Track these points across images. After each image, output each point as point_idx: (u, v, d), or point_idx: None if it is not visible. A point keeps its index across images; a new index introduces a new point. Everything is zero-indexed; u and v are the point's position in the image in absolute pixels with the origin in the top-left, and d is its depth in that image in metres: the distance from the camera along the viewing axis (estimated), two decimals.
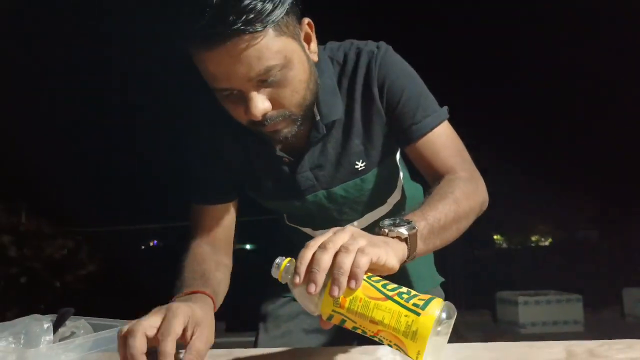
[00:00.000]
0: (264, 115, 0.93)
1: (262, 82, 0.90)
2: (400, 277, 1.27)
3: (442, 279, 1.39)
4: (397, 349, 0.72)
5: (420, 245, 0.88)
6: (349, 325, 0.74)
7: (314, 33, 0.99)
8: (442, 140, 1.09)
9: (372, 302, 0.71)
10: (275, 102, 0.93)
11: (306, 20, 0.97)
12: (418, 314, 0.70)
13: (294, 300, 1.30)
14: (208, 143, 1.13)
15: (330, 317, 0.75)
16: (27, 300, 5.30)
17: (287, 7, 0.88)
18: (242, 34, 0.84)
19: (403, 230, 0.83)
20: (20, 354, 0.73)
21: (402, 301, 0.71)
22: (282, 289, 1.31)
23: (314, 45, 1.00)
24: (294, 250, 1.28)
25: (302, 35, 0.96)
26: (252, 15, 0.83)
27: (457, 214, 0.97)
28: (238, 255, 1.24)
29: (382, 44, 1.10)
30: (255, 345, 1.29)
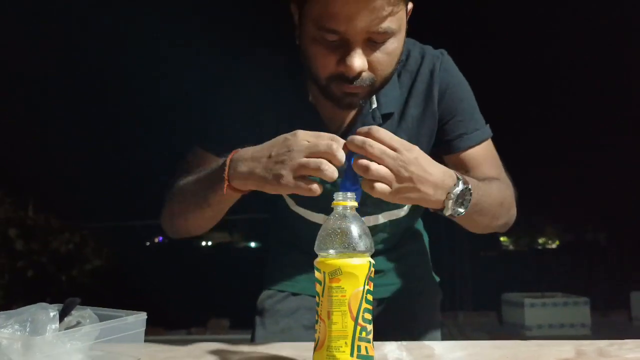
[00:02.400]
0: (359, 73, 0.93)
1: (373, 41, 0.92)
2: (399, 275, 1.26)
3: (438, 279, 1.37)
4: (316, 336, 0.77)
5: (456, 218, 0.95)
6: (318, 288, 0.77)
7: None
8: (487, 153, 1.14)
9: (346, 307, 0.75)
10: (371, 65, 0.94)
11: (411, 4, 0.98)
12: (350, 355, 0.75)
13: (293, 295, 1.27)
14: (251, 105, 1.10)
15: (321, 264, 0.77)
16: (33, 293, 5.33)
17: None
18: None
19: (452, 212, 0.91)
20: (26, 342, 0.72)
21: (357, 334, 0.75)
22: (279, 284, 1.30)
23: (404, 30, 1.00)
24: (296, 243, 1.26)
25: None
26: None
27: (495, 213, 1.03)
28: (243, 253, 1.21)
29: (444, 51, 1.13)
30: (252, 341, 1.26)
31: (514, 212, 1.12)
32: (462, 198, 0.90)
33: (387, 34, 0.91)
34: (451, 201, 0.89)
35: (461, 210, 0.91)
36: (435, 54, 1.11)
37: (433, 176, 0.86)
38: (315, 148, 0.82)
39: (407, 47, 1.08)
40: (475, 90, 1.16)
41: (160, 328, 5.26)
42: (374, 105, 1.07)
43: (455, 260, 6.59)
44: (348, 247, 0.75)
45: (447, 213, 0.91)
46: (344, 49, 0.91)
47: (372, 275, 0.77)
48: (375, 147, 0.82)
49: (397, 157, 0.83)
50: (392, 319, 1.21)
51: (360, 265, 0.75)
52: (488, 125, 1.16)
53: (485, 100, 1.18)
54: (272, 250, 1.36)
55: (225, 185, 0.90)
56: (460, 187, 0.89)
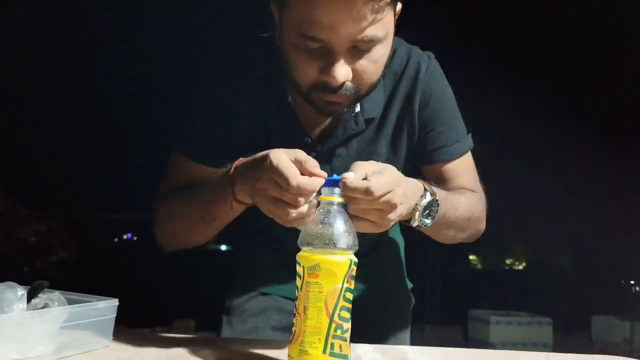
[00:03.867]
0: (343, 83, 0.89)
1: (357, 49, 0.87)
2: (371, 278, 1.25)
3: (411, 285, 1.37)
4: (293, 330, 0.77)
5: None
6: (298, 282, 0.76)
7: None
8: (465, 166, 1.12)
9: (322, 304, 0.74)
10: (356, 74, 0.90)
11: (399, 6, 0.93)
12: (322, 352, 0.74)
13: (263, 294, 1.25)
14: (228, 102, 1.05)
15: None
16: None
17: None
18: None
19: (419, 223, 0.90)
20: None
21: (331, 331, 0.75)
22: (249, 283, 1.26)
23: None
24: (269, 240, 1.24)
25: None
26: None
27: (463, 225, 1.03)
28: (210, 255, 1.17)
29: (431, 54, 1.09)
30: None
31: (482, 226, 1.11)
32: (429, 209, 0.89)
33: (373, 42, 0.86)
34: (418, 212, 0.88)
35: (428, 221, 0.90)
36: (422, 56, 1.07)
37: (408, 192, 0.85)
38: (281, 196, 0.78)
39: (392, 46, 1.02)
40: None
41: (124, 325, 5.15)
42: (357, 109, 1.03)
43: (425, 274, 6.64)
44: (328, 244, 0.74)
45: (414, 224, 0.90)
46: (327, 57, 0.87)
47: (353, 273, 0.77)
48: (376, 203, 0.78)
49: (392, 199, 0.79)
50: (363, 323, 1.21)
51: (340, 262, 0.74)
52: (470, 135, 1.14)
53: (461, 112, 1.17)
54: (243, 246, 1.32)
55: (232, 200, 0.87)
56: (428, 198, 0.88)
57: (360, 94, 0.94)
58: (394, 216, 0.81)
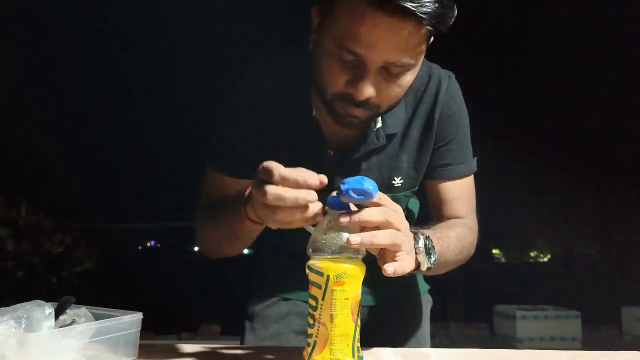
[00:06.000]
0: (368, 98, 0.91)
1: (387, 71, 0.90)
2: (388, 282, 1.26)
3: (428, 287, 1.38)
4: (313, 341, 0.76)
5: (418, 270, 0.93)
6: (316, 292, 0.76)
7: None
8: (465, 189, 1.14)
9: (348, 310, 0.75)
10: (381, 93, 0.92)
11: (432, 38, 0.95)
12: (352, 356, 0.75)
13: (284, 300, 1.26)
14: (253, 116, 1.08)
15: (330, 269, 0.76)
16: (22, 294, 5.28)
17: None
18: (419, 21, 0.83)
19: (428, 263, 0.89)
20: (21, 338, 0.72)
21: (356, 335, 0.77)
22: (270, 289, 1.28)
23: None
24: (287, 248, 1.25)
25: None
26: (440, 10, 0.83)
27: (457, 260, 1.06)
28: (234, 259, 1.20)
29: (452, 74, 1.12)
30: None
31: (471, 253, 1.12)
32: (427, 247, 0.90)
33: (404, 67, 0.90)
34: (422, 255, 0.88)
35: (433, 258, 0.90)
36: (443, 75, 1.10)
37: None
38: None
39: None
40: (474, 102, 1.15)
41: (150, 332, 5.22)
42: (379, 125, 1.06)
43: (447, 271, 6.59)
44: (355, 251, 0.76)
45: (425, 267, 0.89)
46: (358, 71, 0.89)
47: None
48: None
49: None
50: (382, 327, 1.21)
51: (361, 268, 0.77)
52: (476, 159, 1.16)
53: (481, 118, 1.18)
54: (263, 253, 1.34)
55: (245, 218, 0.89)
56: (422, 238, 0.89)
57: (379, 112, 0.97)
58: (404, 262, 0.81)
